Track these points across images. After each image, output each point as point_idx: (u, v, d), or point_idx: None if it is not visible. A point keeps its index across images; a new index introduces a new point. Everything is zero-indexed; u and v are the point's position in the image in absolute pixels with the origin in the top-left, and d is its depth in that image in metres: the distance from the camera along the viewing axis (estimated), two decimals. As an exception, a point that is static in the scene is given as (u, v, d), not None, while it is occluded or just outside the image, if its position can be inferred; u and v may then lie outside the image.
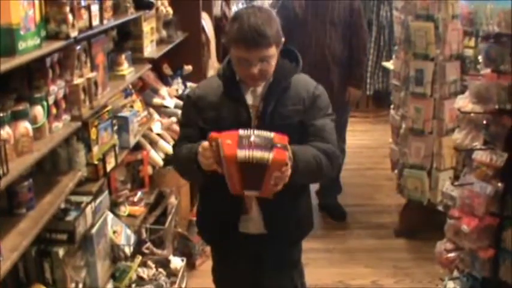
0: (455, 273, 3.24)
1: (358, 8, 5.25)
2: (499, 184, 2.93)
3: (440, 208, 3.49)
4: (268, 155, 2.42)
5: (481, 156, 2.98)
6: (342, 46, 5.18)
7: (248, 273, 3.03)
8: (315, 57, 5.05)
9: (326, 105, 2.82)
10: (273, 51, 2.64)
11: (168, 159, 4.26)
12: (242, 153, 2.43)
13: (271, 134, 2.48)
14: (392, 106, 5.43)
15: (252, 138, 2.45)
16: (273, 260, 2.99)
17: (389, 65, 6.29)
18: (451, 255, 3.21)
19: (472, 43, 4.62)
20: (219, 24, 6.32)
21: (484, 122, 2.95)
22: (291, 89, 2.75)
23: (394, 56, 5.44)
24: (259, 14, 2.62)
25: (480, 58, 3.36)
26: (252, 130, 2.52)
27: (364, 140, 7.65)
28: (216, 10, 6.22)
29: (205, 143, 2.54)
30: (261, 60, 2.61)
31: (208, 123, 2.73)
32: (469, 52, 4.64)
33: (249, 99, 2.74)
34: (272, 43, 2.62)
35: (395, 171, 5.27)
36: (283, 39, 2.72)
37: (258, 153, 2.43)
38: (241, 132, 2.49)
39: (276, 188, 2.51)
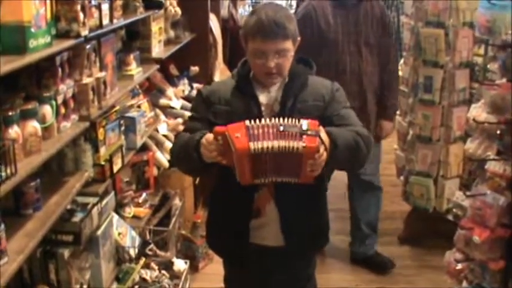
0: (464, 284, 3.21)
1: (390, 24, 4.68)
2: (512, 195, 2.90)
3: (450, 217, 3.46)
4: (298, 144, 2.39)
5: (494, 166, 2.95)
6: (377, 71, 4.42)
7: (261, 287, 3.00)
8: (351, 86, 4.15)
9: (345, 98, 2.82)
10: (290, 46, 2.62)
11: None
12: (256, 145, 2.40)
13: (302, 121, 2.45)
14: (398, 112, 5.40)
15: (282, 128, 2.43)
16: (288, 274, 2.94)
17: (396, 70, 6.26)
18: (460, 265, 3.18)
19: (481, 51, 4.60)
20: (225, 25, 6.29)
21: (498, 132, 2.92)
22: (309, 87, 2.74)
23: (402, 62, 5.41)
24: (277, 9, 2.64)
25: (489, 66, 3.34)
26: (263, 119, 2.49)
27: (368, 145, 7.57)
28: (224, 11, 6.20)
29: (209, 136, 2.51)
30: (277, 54, 2.59)
31: (218, 117, 2.69)
32: (478, 60, 4.62)
33: (262, 98, 2.71)
34: (289, 36, 2.60)
35: (401, 177, 5.24)
36: (299, 38, 2.70)
37: (285, 143, 2.40)
38: (247, 123, 2.46)
39: (313, 174, 2.47)
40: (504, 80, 2.92)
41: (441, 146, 4.71)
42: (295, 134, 2.41)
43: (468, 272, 3.14)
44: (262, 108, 2.69)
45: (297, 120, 2.46)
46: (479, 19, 3.04)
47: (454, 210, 3.33)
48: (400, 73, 5.39)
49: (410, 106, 4.91)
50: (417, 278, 4.63)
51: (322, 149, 2.42)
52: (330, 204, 3.00)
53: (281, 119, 2.47)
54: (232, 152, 2.43)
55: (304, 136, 2.40)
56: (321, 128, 2.47)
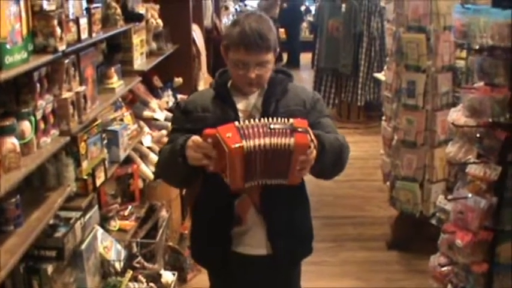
0: (449, 288, 3.22)
1: None
2: (493, 198, 2.90)
3: (433, 222, 3.46)
4: (290, 140, 2.37)
5: (475, 169, 2.96)
6: None
7: None
8: None
9: (325, 108, 2.86)
10: (271, 57, 2.64)
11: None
12: (249, 143, 2.37)
13: (291, 120, 2.44)
14: (383, 118, 5.41)
15: (272, 126, 2.40)
16: (273, 284, 2.92)
17: (380, 76, 6.28)
18: (445, 269, 3.18)
19: (463, 54, 4.62)
20: (209, 36, 6.30)
21: (478, 135, 2.93)
22: (290, 92, 2.75)
23: (385, 68, 5.42)
24: (260, 20, 2.64)
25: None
26: (255, 119, 2.47)
27: (355, 151, 7.58)
28: (207, 22, 6.21)
29: (197, 138, 2.46)
30: (259, 65, 2.60)
31: (195, 123, 2.66)
32: (461, 63, 4.63)
33: (240, 105, 2.71)
34: (271, 48, 2.62)
35: (387, 183, 5.24)
36: (278, 49, 2.72)
37: (277, 140, 2.38)
38: (237, 124, 2.44)
39: (302, 173, 2.47)
40: (481, 83, 2.93)
41: (426, 150, 4.72)
42: (286, 131, 2.39)
43: (453, 275, 3.15)
44: (240, 114, 2.68)
45: (286, 119, 2.45)
46: (455, 23, 3.04)
47: (438, 214, 3.33)
48: (383, 78, 5.43)
49: (394, 111, 4.92)
50: (405, 282, 4.63)
51: (312, 145, 2.41)
52: (316, 211, 3.00)
53: (269, 119, 2.46)
54: (224, 154, 2.37)
55: (295, 133, 2.38)
56: (309, 128, 2.46)
